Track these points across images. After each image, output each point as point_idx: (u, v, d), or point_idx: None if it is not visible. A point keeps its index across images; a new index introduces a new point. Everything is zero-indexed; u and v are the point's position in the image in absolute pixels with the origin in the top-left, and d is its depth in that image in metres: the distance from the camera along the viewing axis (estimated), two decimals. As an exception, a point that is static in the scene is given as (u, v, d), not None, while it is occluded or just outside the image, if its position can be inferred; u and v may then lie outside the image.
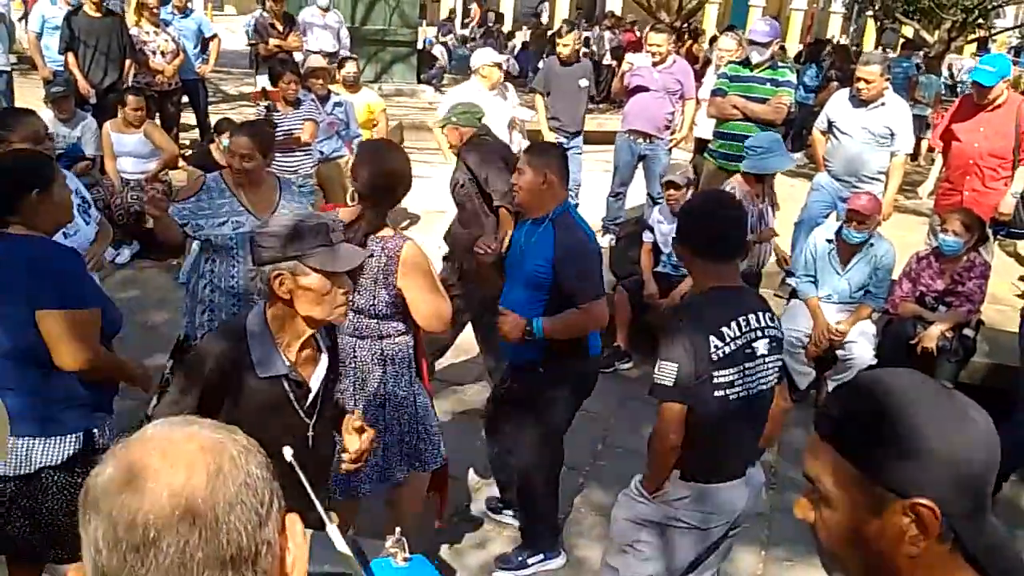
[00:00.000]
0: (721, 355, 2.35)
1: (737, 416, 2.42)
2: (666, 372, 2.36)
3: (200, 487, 0.84)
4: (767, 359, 2.46)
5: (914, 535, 1.05)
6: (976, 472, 1.06)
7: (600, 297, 3.10)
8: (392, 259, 2.76)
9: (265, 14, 8.84)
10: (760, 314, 2.46)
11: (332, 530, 1.32)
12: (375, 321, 2.83)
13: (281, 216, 2.10)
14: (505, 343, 3.18)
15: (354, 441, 2.26)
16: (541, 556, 3.44)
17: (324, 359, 2.19)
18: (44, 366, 2.42)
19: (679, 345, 2.36)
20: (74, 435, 2.50)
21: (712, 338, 2.34)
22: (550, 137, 6.64)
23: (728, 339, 2.36)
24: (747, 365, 2.40)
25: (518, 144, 5.90)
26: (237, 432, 0.93)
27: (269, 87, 5.95)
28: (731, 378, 2.38)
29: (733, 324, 2.37)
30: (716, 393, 2.37)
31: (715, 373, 2.35)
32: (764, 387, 2.50)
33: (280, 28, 8.38)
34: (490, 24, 20.01)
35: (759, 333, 2.43)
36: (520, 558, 3.43)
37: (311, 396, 2.14)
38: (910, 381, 1.12)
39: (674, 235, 2.62)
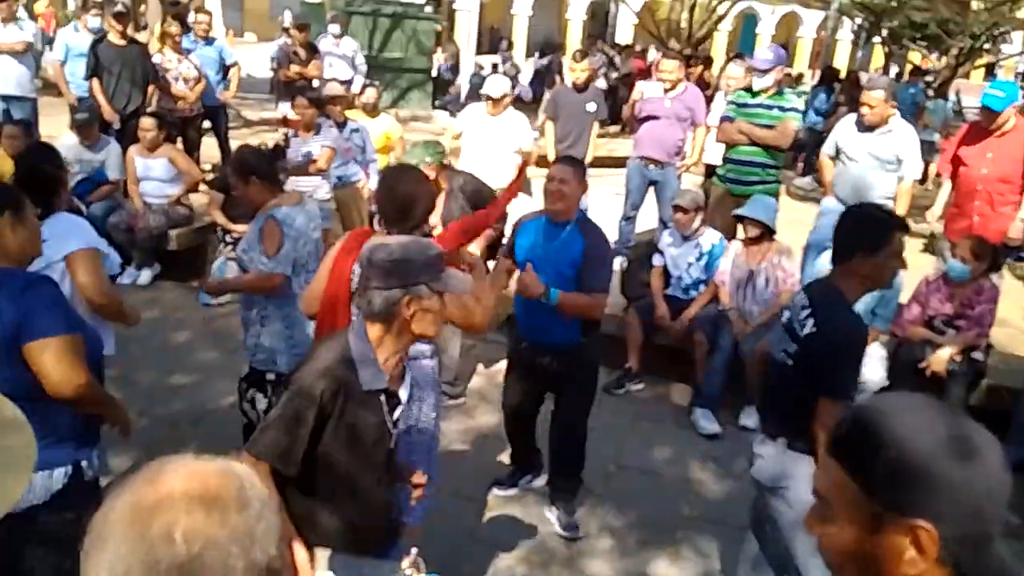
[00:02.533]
0: None
1: None
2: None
3: (229, 501, 0.86)
4: None
5: (912, 557, 1.06)
6: (979, 499, 1.06)
7: (606, 291, 3.66)
8: None
9: (289, 41, 9.03)
10: None
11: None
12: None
13: (394, 243, 2.16)
14: (550, 328, 3.65)
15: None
16: (575, 503, 3.98)
17: (408, 375, 2.31)
18: (28, 400, 2.24)
19: None
20: (61, 468, 2.39)
21: None
22: None
23: None
24: None
25: (513, 166, 6.10)
26: (236, 462, 0.94)
27: (291, 115, 6.09)
28: None
29: None
30: None
31: None
32: None
33: (302, 56, 8.56)
34: (503, 50, 20.24)
35: None
36: (573, 516, 3.92)
37: (399, 409, 2.25)
38: (918, 405, 1.13)
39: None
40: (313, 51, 8.77)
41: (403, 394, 2.27)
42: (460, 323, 2.91)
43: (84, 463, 2.46)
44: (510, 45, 21.22)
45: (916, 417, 1.09)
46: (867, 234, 2.63)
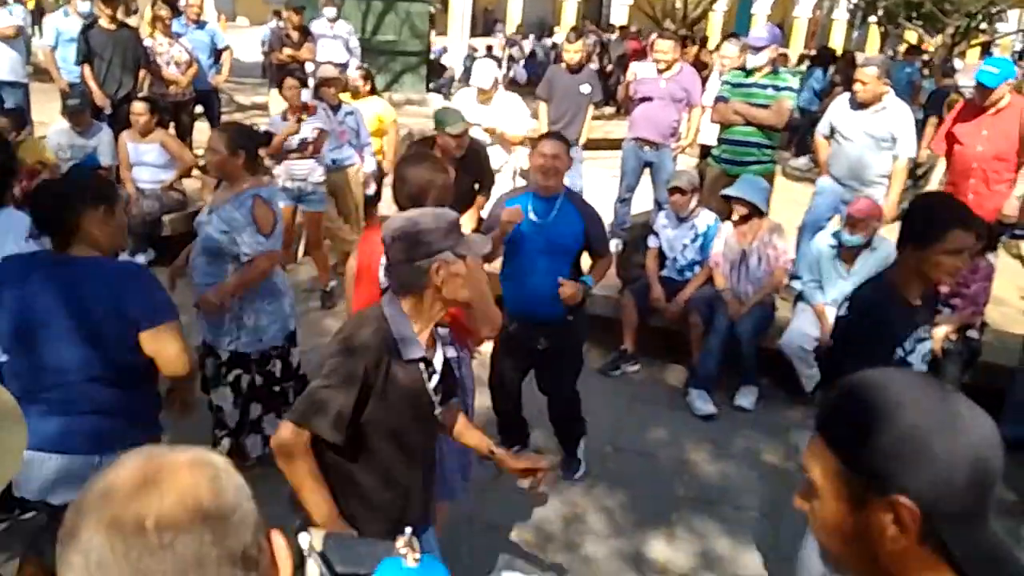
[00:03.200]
0: None
1: None
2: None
3: (204, 487, 0.85)
4: None
5: (894, 533, 1.05)
6: (965, 476, 1.03)
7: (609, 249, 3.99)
8: None
9: (282, 24, 8.97)
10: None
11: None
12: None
13: (413, 215, 2.19)
14: (542, 303, 3.76)
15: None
16: (582, 444, 4.25)
17: (440, 347, 2.36)
18: (130, 386, 2.49)
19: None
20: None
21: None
22: None
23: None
24: None
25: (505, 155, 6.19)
26: (212, 451, 0.93)
27: (310, 100, 6.07)
28: None
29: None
30: None
31: None
32: None
33: (295, 39, 8.51)
34: (509, 33, 20.13)
35: None
36: (576, 455, 4.21)
37: (435, 379, 2.29)
38: (905, 380, 1.12)
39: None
40: (306, 34, 8.70)
41: (437, 363, 2.31)
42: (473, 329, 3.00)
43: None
44: (518, 28, 20.89)
45: (899, 392, 1.08)
46: (921, 226, 2.54)
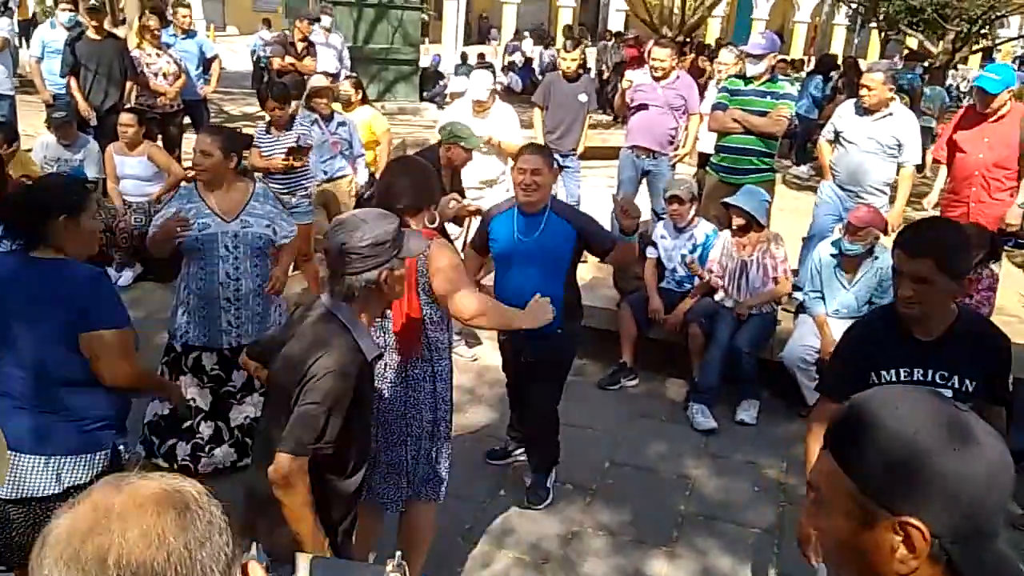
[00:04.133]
0: None
1: None
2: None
3: (170, 523, 0.83)
4: None
5: (904, 553, 1.04)
6: (975, 496, 1.03)
7: (615, 239, 3.68)
8: (421, 262, 2.86)
9: (288, 32, 8.96)
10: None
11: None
12: (422, 335, 2.93)
13: (361, 225, 2.24)
14: None
15: None
16: (553, 474, 4.05)
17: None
18: (75, 385, 2.50)
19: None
20: (102, 452, 2.57)
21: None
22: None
23: None
24: None
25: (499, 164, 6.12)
26: (189, 480, 0.92)
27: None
28: None
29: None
30: None
31: None
32: None
33: (298, 48, 8.48)
34: (490, 37, 20.12)
35: None
36: (545, 484, 3.99)
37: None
38: (913, 397, 1.11)
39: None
40: (311, 46, 8.67)
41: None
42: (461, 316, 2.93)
43: (121, 447, 2.67)
44: (517, 34, 20.66)
45: (909, 410, 1.07)
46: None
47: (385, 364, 2.90)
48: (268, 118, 5.74)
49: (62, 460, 2.50)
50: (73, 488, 2.48)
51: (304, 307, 2.44)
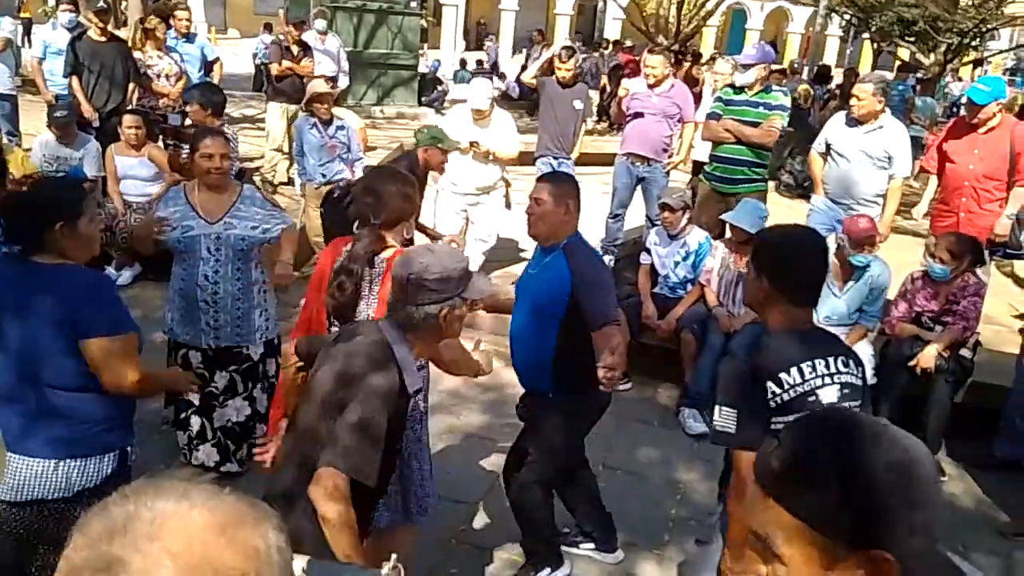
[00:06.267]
0: (779, 402, 2.20)
1: None
2: (727, 417, 2.24)
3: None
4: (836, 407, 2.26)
5: None
6: (926, 512, 1.06)
7: (612, 320, 3.08)
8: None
9: (282, 37, 8.99)
10: (830, 359, 2.26)
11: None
12: None
13: (432, 258, 2.23)
14: (522, 370, 3.28)
15: None
16: (548, 570, 3.47)
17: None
18: (79, 390, 2.48)
19: (736, 389, 2.25)
20: (111, 454, 2.57)
21: (770, 384, 2.21)
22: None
23: (787, 386, 2.21)
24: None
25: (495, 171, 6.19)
26: (253, 501, 0.86)
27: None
28: None
29: (795, 370, 2.21)
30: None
31: (772, 419, 2.19)
32: None
33: (294, 52, 8.51)
34: (489, 44, 20.15)
35: (826, 380, 2.23)
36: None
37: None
38: (849, 423, 1.11)
39: (755, 262, 2.41)
40: (306, 48, 8.71)
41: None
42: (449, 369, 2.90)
43: (129, 449, 2.66)
44: (535, 41, 20.02)
45: (851, 441, 1.06)
46: None
47: None
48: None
49: (71, 464, 2.48)
50: (84, 491, 2.50)
51: (355, 325, 2.41)
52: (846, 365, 2.28)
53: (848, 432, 1.09)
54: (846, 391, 2.25)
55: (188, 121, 5.33)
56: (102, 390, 2.50)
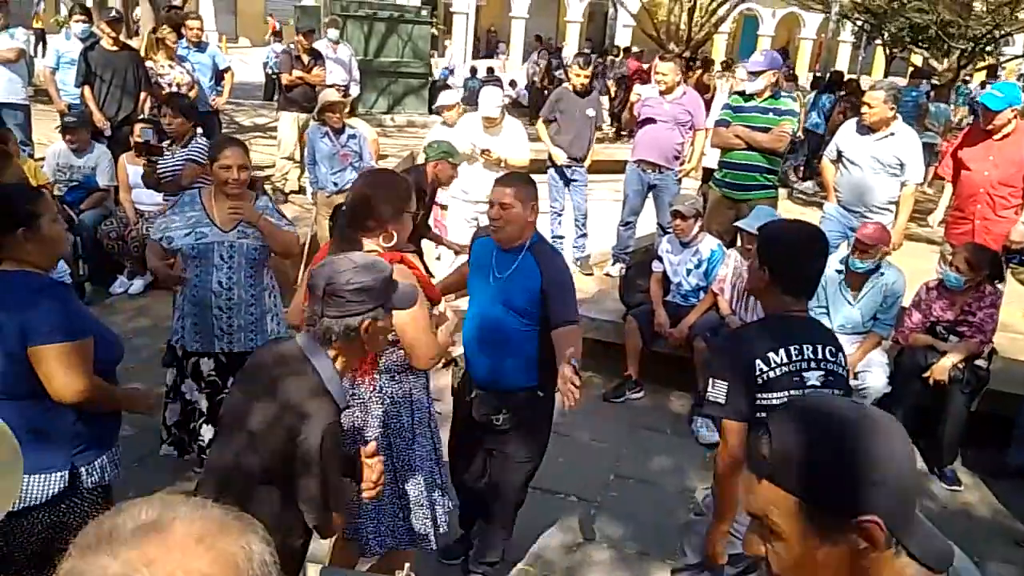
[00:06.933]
0: (765, 378, 2.42)
1: None
2: (718, 390, 2.46)
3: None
4: (819, 391, 2.45)
5: (864, 549, 1.12)
6: (908, 481, 1.17)
7: (576, 320, 3.10)
8: None
9: (292, 46, 9.01)
10: (819, 346, 2.48)
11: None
12: (392, 351, 2.77)
13: (349, 268, 2.14)
14: (505, 372, 3.20)
15: (370, 470, 2.36)
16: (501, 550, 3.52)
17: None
18: (30, 398, 2.38)
19: (726, 363, 2.50)
20: (58, 474, 2.43)
21: (758, 361, 2.42)
22: (560, 159, 6.71)
23: (774, 364, 2.43)
24: (793, 393, 2.40)
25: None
26: (239, 514, 0.90)
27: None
28: (774, 403, 2.39)
29: (782, 351, 2.43)
30: (759, 415, 2.38)
31: (758, 395, 2.41)
32: None
33: (305, 61, 8.54)
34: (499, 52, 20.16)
35: (812, 364, 2.46)
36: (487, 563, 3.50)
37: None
38: (828, 407, 1.22)
39: (759, 253, 2.60)
40: (317, 57, 8.74)
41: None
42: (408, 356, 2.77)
43: (84, 469, 2.49)
44: (550, 49, 19.93)
45: (834, 420, 1.16)
46: None
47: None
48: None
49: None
50: (32, 508, 2.38)
51: (274, 339, 2.38)
52: (833, 356, 2.50)
53: (827, 410, 1.20)
54: (831, 379, 2.47)
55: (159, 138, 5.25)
56: (42, 401, 2.39)
